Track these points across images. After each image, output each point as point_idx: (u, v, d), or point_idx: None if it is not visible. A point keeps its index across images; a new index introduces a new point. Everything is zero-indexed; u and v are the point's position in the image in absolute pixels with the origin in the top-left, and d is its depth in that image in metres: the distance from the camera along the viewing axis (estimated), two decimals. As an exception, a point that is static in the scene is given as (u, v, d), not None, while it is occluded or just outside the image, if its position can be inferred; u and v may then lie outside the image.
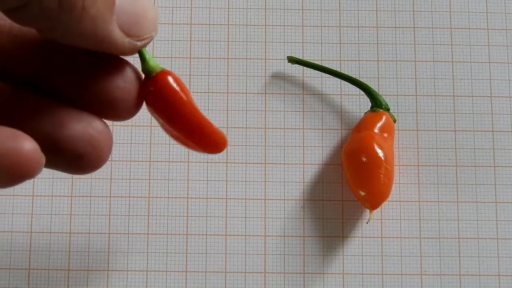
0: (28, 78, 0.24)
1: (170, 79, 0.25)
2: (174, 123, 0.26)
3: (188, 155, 0.42)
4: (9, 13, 0.20)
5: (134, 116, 0.25)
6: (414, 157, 0.42)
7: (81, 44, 0.22)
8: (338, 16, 0.44)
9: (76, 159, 0.23)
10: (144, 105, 0.26)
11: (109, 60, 0.24)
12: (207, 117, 0.27)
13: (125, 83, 0.24)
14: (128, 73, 0.24)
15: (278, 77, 0.43)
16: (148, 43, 0.24)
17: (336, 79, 0.43)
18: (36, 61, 0.24)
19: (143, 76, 0.26)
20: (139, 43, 0.23)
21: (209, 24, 0.43)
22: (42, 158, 0.21)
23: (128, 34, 0.23)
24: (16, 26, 0.23)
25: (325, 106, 0.43)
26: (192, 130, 0.26)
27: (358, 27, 0.43)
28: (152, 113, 0.26)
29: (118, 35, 0.22)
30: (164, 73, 0.25)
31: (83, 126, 0.23)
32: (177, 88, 0.25)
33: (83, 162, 0.23)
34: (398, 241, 0.41)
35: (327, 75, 0.42)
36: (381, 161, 0.38)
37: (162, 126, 0.27)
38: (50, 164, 0.23)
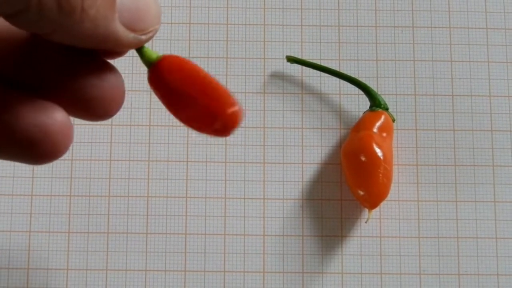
0: (5, 75, 0.24)
1: (170, 65, 0.25)
2: (183, 110, 0.25)
3: (187, 154, 0.42)
4: (8, 18, 0.20)
5: (113, 116, 0.25)
6: (413, 156, 0.42)
7: (83, 44, 0.22)
8: (337, 15, 0.44)
9: (28, 147, 0.23)
10: (126, 105, 0.26)
11: (90, 60, 0.24)
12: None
13: (102, 82, 0.24)
14: (107, 73, 0.24)
15: (277, 76, 0.43)
16: (153, 36, 0.24)
17: (335, 78, 0.43)
18: (16, 59, 0.23)
19: (123, 76, 0.25)
20: (144, 37, 0.23)
21: (208, 24, 0.43)
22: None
23: (132, 29, 0.22)
24: None
25: (324, 106, 0.43)
26: (200, 113, 0.25)
27: (357, 26, 0.43)
28: (163, 103, 0.26)
29: (121, 32, 0.22)
30: (163, 59, 0.25)
31: (39, 115, 0.23)
32: (180, 72, 0.25)
33: (37, 151, 0.23)
34: (397, 240, 0.41)
35: (326, 75, 0.42)
36: (380, 161, 0.39)
37: (172, 111, 0.26)
38: (4, 153, 0.23)
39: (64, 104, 0.23)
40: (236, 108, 0.26)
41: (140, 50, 0.25)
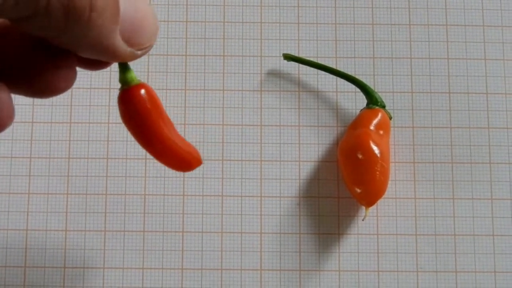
0: None
1: (142, 95, 0.26)
2: (141, 140, 0.27)
3: (184, 152, 0.42)
4: (16, 22, 0.21)
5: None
6: (410, 154, 0.42)
7: (83, 52, 0.23)
8: (334, 13, 0.44)
9: None
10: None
11: (55, 52, 0.24)
12: (181, 133, 0.27)
13: (58, 72, 0.24)
14: (66, 65, 0.24)
15: (274, 74, 0.43)
16: (148, 51, 0.24)
17: (331, 76, 0.43)
18: None
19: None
20: (139, 52, 0.24)
21: (205, 22, 0.43)
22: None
23: (130, 43, 0.23)
24: None
25: (321, 103, 0.43)
26: (157, 149, 0.27)
27: (354, 24, 0.43)
28: (125, 125, 0.27)
29: (121, 45, 0.23)
30: (139, 87, 0.26)
31: None
32: (148, 106, 0.26)
33: None
34: (394, 238, 0.41)
35: (323, 72, 0.42)
36: (377, 158, 0.39)
37: (132, 135, 0.28)
38: None
39: (9, 85, 0.23)
40: (195, 158, 0.27)
41: (124, 67, 0.25)
